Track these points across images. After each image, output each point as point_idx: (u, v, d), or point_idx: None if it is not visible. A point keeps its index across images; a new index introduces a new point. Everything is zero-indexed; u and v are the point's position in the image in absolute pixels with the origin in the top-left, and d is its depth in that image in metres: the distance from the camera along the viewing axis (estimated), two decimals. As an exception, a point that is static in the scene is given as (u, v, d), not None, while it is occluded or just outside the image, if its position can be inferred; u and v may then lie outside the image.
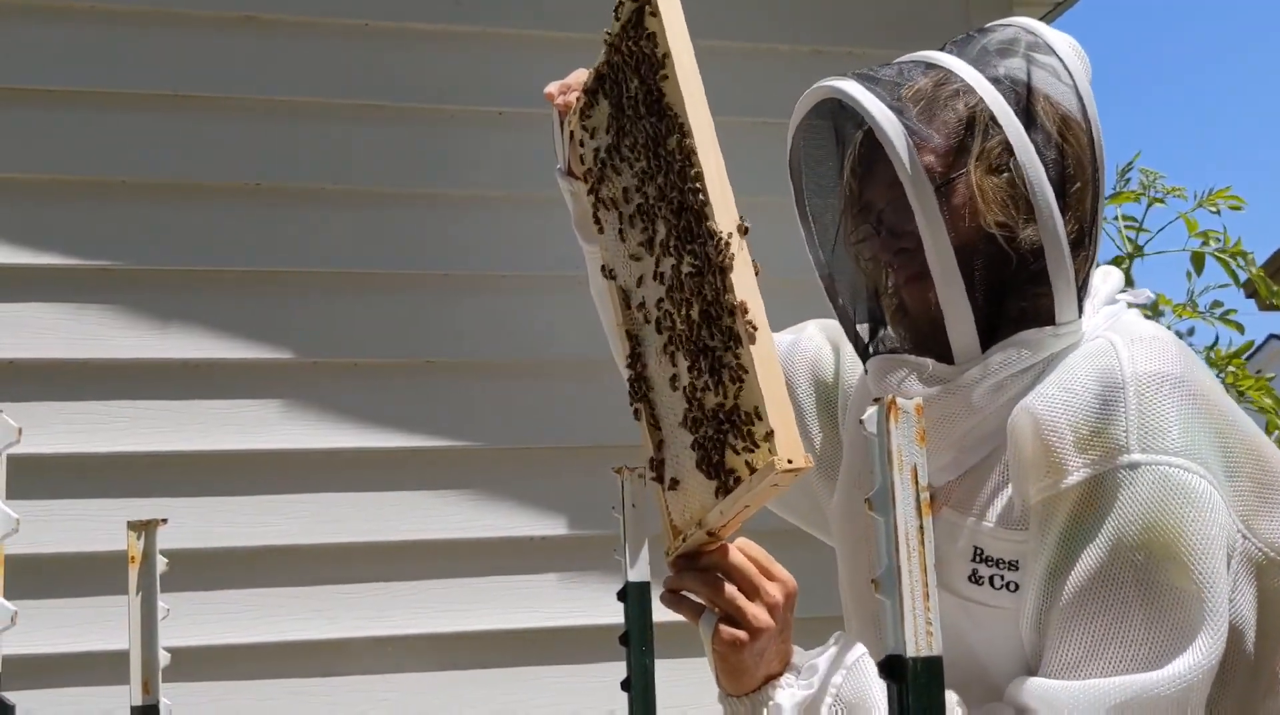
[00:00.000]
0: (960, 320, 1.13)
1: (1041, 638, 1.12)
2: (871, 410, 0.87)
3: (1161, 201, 3.03)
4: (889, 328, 1.24)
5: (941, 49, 1.23)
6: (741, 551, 1.13)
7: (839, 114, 1.22)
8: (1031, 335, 1.14)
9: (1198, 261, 3.04)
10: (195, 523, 2.21)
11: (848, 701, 1.11)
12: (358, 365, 2.38)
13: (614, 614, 1.42)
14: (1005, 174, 1.14)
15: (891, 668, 0.82)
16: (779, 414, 1.05)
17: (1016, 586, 1.13)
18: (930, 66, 1.19)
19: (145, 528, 1.21)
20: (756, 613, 1.12)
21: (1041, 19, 2.78)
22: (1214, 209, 2.98)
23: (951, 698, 1.12)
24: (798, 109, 1.25)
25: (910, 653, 0.81)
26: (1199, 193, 3.03)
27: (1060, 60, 1.18)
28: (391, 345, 2.39)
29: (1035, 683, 1.11)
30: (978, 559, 1.15)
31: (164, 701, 1.19)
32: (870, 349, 1.25)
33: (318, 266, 2.38)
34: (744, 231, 1.11)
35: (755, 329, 1.07)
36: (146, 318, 2.31)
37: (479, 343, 2.41)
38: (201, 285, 2.33)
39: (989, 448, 1.17)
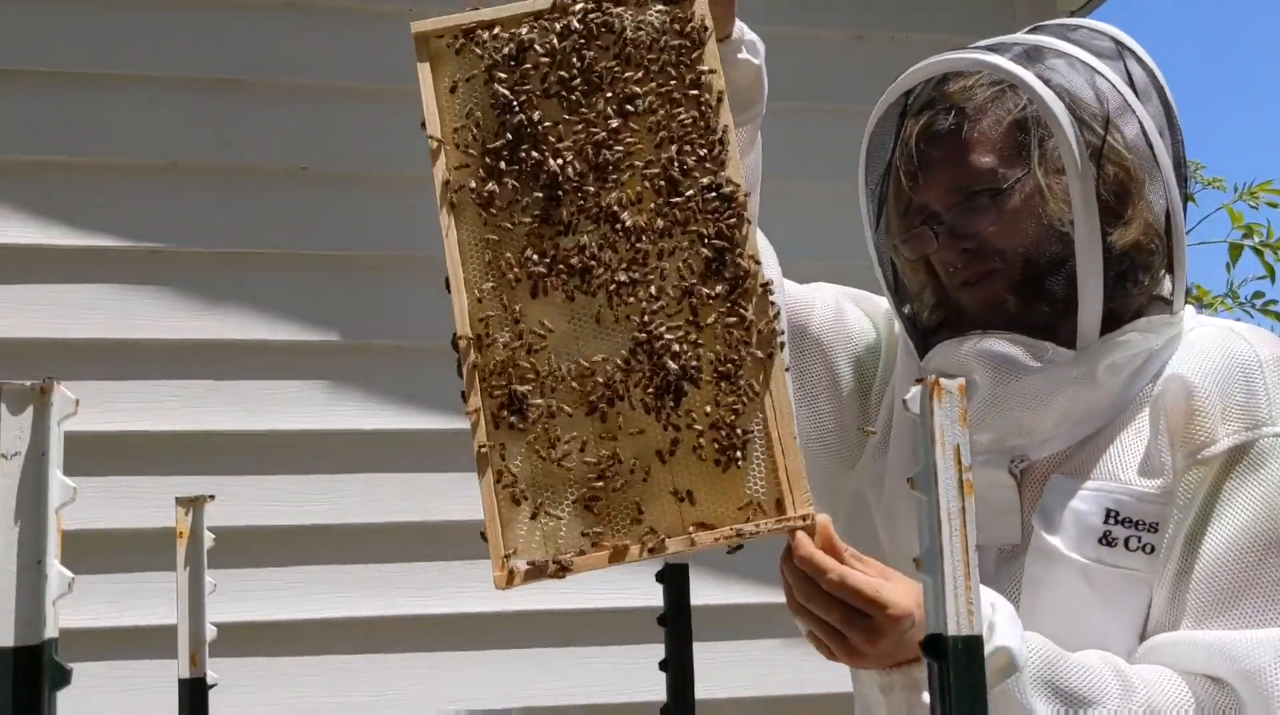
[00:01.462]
0: (1092, 306, 1.20)
1: (1181, 597, 1.16)
2: (915, 390, 0.87)
3: (1192, 198, 2.99)
4: (946, 313, 1.28)
5: (1032, 33, 1.27)
6: (856, 569, 1.09)
7: (938, 96, 1.24)
8: (1158, 321, 1.22)
9: (1234, 253, 3.00)
10: (241, 500, 2.24)
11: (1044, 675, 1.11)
12: (400, 347, 2.40)
13: (653, 596, 1.43)
14: (1130, 168, 1.21)
15: (932, 646, 0.82)
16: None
17: (1153, 549, 1.18)
18: (1061, 55, 1.23)
19: (193, 504, 1.23)
20: (859, 644, 1.09)
21: (1083, 5, 2.76)
22: (1254, 204, 2.94)
23: (1096, 656, 1.13)
24: (908, 79, 1.25)
25: (951, 631, 0.81)
26: (1239, 185, 2.99)
27: (1147, 62, 1.27)
28: (433, 328, 2.41)
29: (1200, 634, 1.15)
30: (1112, 520, 1.18)
31: (210, 674, 1.22)
32: (929, 335, 1.29)
33: (362, 249, 2.40)
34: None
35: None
36: (194, 299, 2.34)
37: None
38: (248, 267, 2.36)
39: (1105, 420, 1.22)
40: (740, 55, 1.21)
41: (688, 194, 1.10)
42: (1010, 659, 1.08)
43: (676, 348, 1.08)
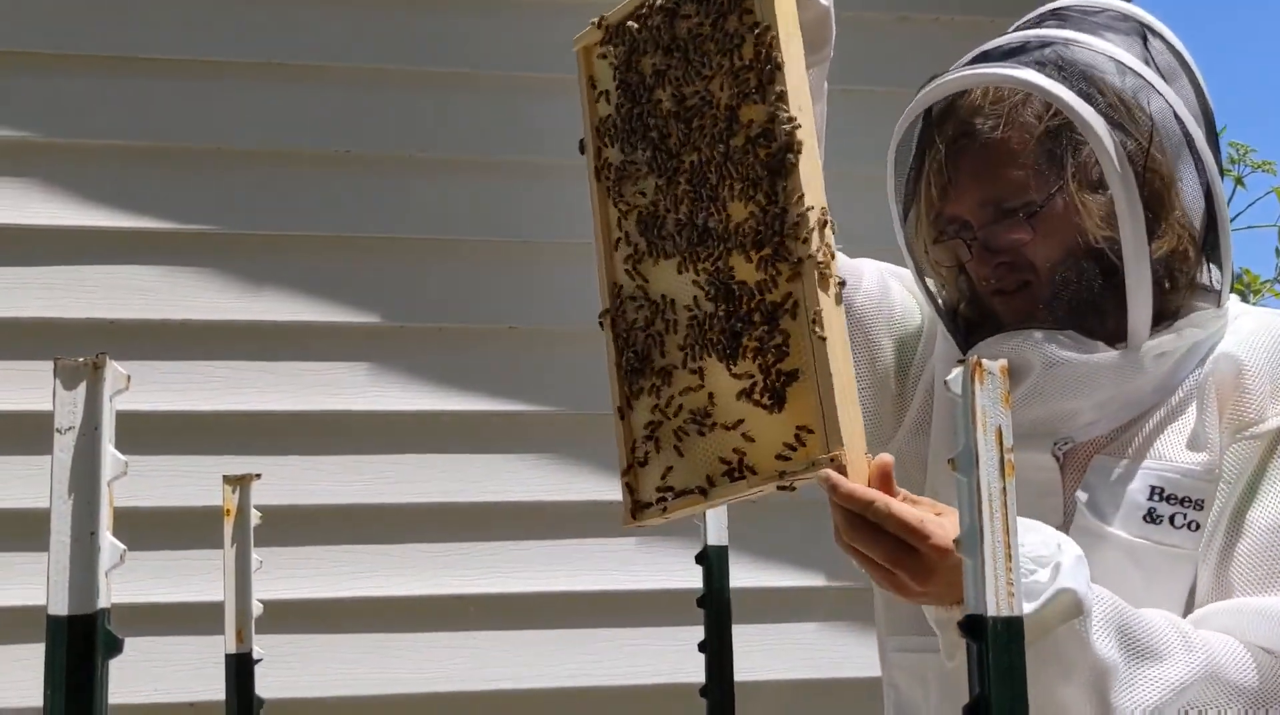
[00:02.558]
0: (1142, 313, 1.20)
1: (1226, 572, 1.17)
2: (956, 371, 0.87)
3: (1241, 182, 2.95)
4: (981, 312, 1.28)
5: (1054, 25, 1.25)
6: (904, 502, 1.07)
7: (967, 104, 1.23)
8: (1206, 315, 1.23)
9: (1287, 236, 2.95)
10: (286, 480, 2.27)
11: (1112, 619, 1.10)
12: (442, 330, 2.41)
13: (692, 578, 1.44)
14: (1167, 173, 1.20)
15: (971, 627, 0.82)
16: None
17: (1198, 526, 1.18)
18: (1087, 51, 1.21)
19: (240, 482, 1.25)
20: (908, 580, 1.07)
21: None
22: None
23: (1158, 614, 1.13)
24: (937, 91, 1.24)
25: (991, 612, 0.81)
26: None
27: (1173, 42, 1.26)
28: (475, 310, 2.43)
29: (1253, 601, 1.15)
30: (1157, 497, 1.19)
31: (256, 650, 1.24)
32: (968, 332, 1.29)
33: (405, 232, 2.42)
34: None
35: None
36: (240, 281, 2.37)
37: (562, 308, 2.43)
38: (292, 250, 2.38)
39: (1150, 404, 1.22)
40: None
41: (739, 130, 1.12)
42: (1076, 600, 1.06)
43: (734, 288, 1.12)
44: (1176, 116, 1.21)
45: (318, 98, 2.42)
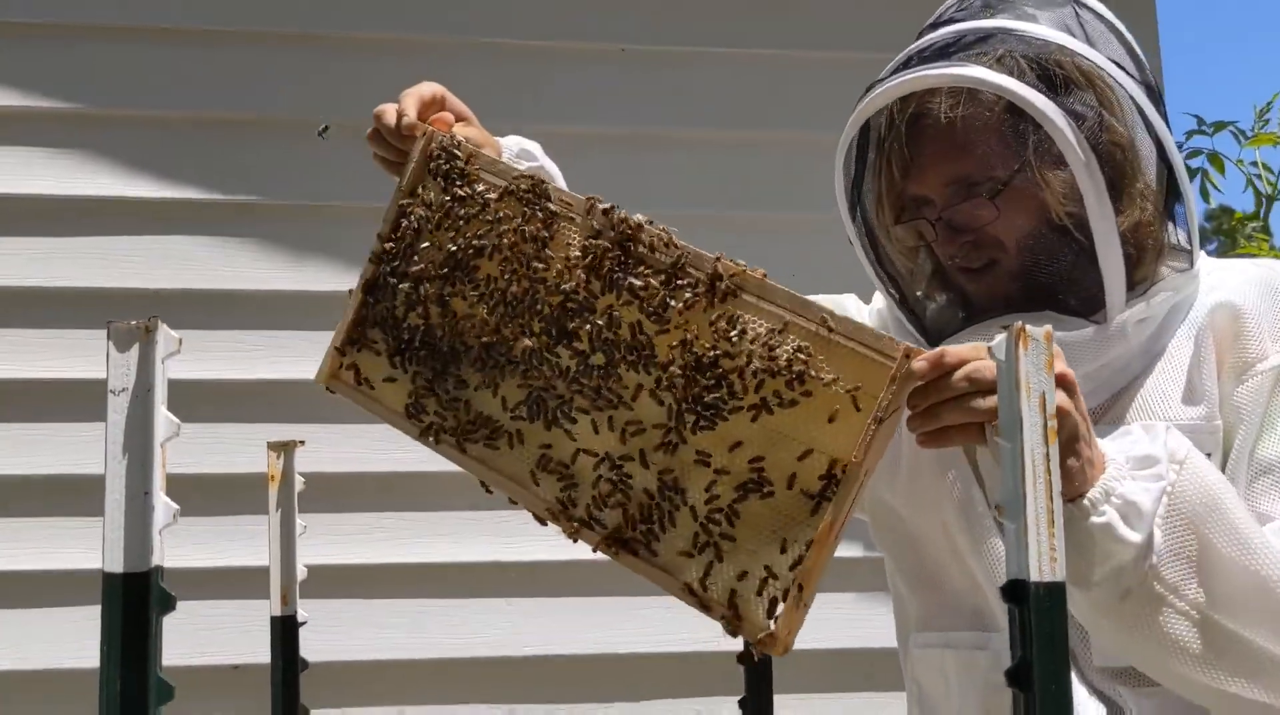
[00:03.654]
0: (1116, 287, 1.19)
1: (1254, 505, 1.16)
2: (1000, 338, 0.87)
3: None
4: (950, 297, 1.27)
5: (984, 15, 1.23)
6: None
7: (907, 103, 1.21)
8: (1179, 279, 1.22)
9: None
10: (330, 447, 2.29)
11: (1188, 499, 1.08)
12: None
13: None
14: (1127, 142, 1.20)
15: (1014, 592, 0.82)
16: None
17: None
18: (1022, 40, 1.20)
19: (284, 448, 1.27)
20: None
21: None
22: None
23: None
24: (881, 98, 1.21)
25: (1034, 577, 0.81)
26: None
27: (1108, 16, 1.26)
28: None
29: None
30: None
31: (301, 613, 1.25)
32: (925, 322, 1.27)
33: (445, 203, 2.43)
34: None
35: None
36: (283, 250, 2.39)
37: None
38: (333, 220, 2.40)
39: (1139, 369, 1.22)
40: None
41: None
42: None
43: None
44: (1121, 86, 1.20)
45: (356, 67, 2.43)
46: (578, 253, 1.12)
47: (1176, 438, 1.09)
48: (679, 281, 1.06)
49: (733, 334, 1.03)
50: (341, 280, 2.38)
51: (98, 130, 2.36)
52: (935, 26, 1.25)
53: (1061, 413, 0.99)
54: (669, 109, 2.50)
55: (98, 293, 2.32)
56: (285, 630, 1.24)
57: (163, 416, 0.83)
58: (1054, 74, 1.18)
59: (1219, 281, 1.24)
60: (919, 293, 1.29)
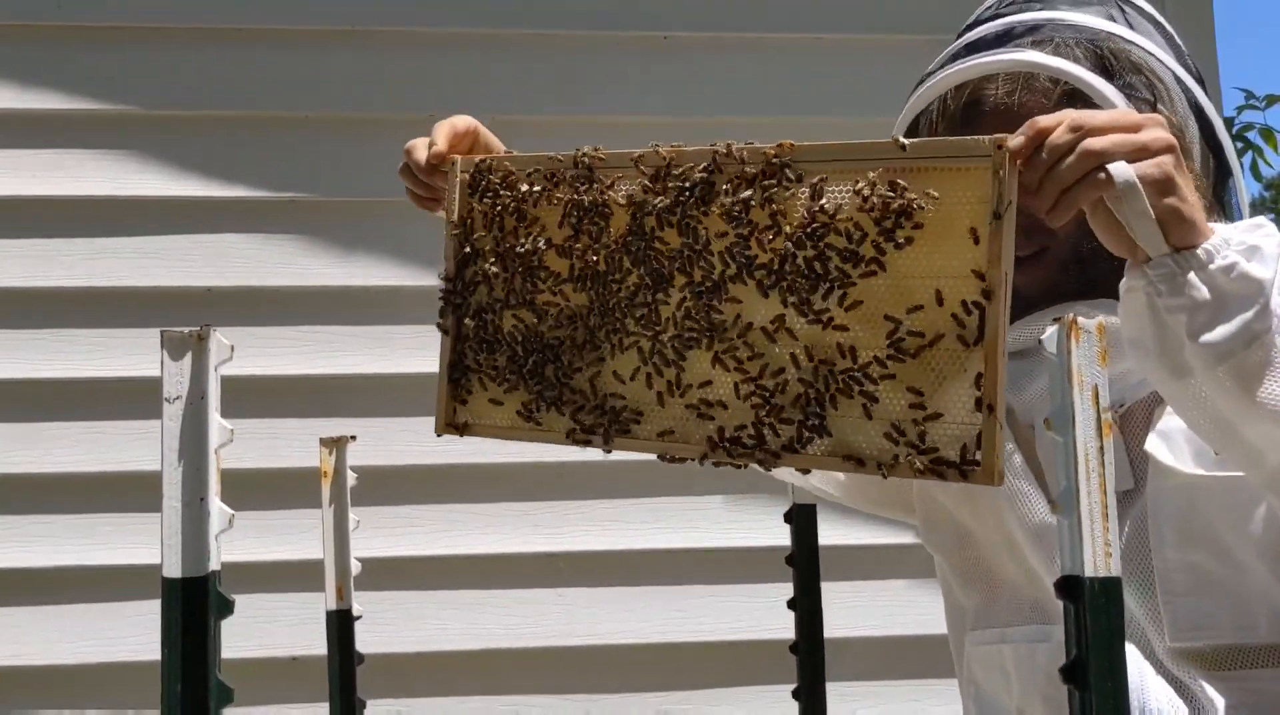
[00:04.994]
0: None
1: None
2: (1051, 330, 0.86)
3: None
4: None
5: (1034, 8, 1.22)
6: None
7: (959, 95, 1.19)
8: None
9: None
10: (380, 441, 2.31)
11: None
12: (528, 291, 2.44)
13: (781, 536, 1.44)
14: (1178, 129, 1.16)
15: (1068, 588, 0.82)
16: None
17: None
18: (1083, 29, 1.19)
19: (336, 444, 1.28)
20: (1147, 138, 0.98)
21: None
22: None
23: None
24: (940, 84, 1.19)
25: (1089, 573, 0.80)
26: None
27: (1150, 11, 1.24)
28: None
29: None
30: None
31: (355, 606, 1.27)
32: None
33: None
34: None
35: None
36: (331, 246, 2.41)
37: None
38: (381, 215, 2.42)
39: None
40: None
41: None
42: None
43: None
44: (1176, 78, 1.18)
45: (401, 63, 2.44)
46: (639, 202, 1.11)
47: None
48: (741, 186, 1.05)
49: (821, 203, 1.01)
50: (387, 274, 2.40)
51: (148, 132, 2.39)
52: (980, 22, 1.24)
53: (1154, 147, 0.94)
54: (714, 96, 2.49)
55: (152, 292, 2.36)
56: (341, 624, 1.25)
57: (216, 423, 0.84)
58: (1109, 60, 1.16)
59: None
60: None
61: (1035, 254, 1.19)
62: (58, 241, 2.36)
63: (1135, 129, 0.98)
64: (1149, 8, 1.25)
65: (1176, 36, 1.24)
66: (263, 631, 2.27)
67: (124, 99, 2.40)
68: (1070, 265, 1.19)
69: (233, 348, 0.87)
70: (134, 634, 2.25)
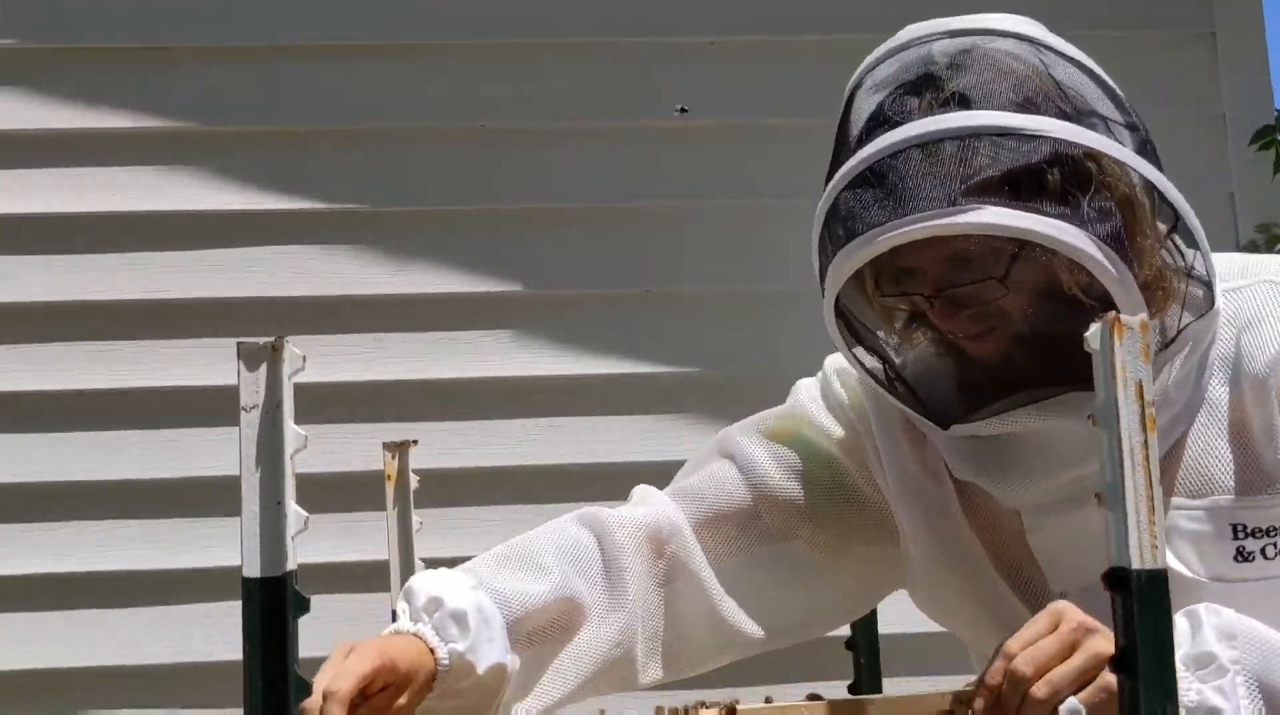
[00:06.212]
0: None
1: None
2: (1095, 327, 0.88)
3: None
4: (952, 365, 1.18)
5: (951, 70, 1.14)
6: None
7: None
8: (1203, 323, 1.14)
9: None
10: (440, 444, 2.36)
11: (1257, 673, 1.03)
12: (581, 296, 2.48)
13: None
14: (1135, 204, 1.11)
15: (1115, 579, 0.84)
16: None
17: None
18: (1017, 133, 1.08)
19: (399, 449, 1.31)
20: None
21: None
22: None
23: None
24: (860, 255, 1.10)
25: (1135, 565, 0.82)
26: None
27: (1060, 48, 1.15)
28: (612, 276, 2.49)
29: None
30: (1241, 535, 1.12)
31: (420, 607, 1.30)
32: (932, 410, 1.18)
33: (543, 203, 2.49)
34: None
35: None
36: (389, 256, 2.47)
37: (699, 270, 2.48)
38: (436, 224, 2.47)
39: (1185, 426, 1.15)
40: None
41: None
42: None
43: None
44: (1124, 164, 1.09)
45: (454, 74, 2.49)
46: None
47: (1215, 613, 1.03)
48: None
49: None
50: (443, 283, 2.46)
51: (211, 147, 2.46)
52: (892, 120, 1.13)
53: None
54: (764, 99, 2.52)
55: (221, 303, 2.42)
56: (407, 624, 1.27)
57: (291, 430, 0.88)
58: (1062, 178, 1.08)
59: (1250, 318, 1.14)
60: (904, 360, 1.20)
61: (989, 329, 1.13)
62: (133, 256, 2.43)
63: (1071, 650, 0.96)
64: (1074, 52, 1.15)
65: (1108, 78, 1.15)
66: (339, 630, 2.32)
67: (188, 117, 2.47)
68: (1023, 339, 1.12)
69: (304, 358, 0.90)
70: (204, 634, 2.32)
